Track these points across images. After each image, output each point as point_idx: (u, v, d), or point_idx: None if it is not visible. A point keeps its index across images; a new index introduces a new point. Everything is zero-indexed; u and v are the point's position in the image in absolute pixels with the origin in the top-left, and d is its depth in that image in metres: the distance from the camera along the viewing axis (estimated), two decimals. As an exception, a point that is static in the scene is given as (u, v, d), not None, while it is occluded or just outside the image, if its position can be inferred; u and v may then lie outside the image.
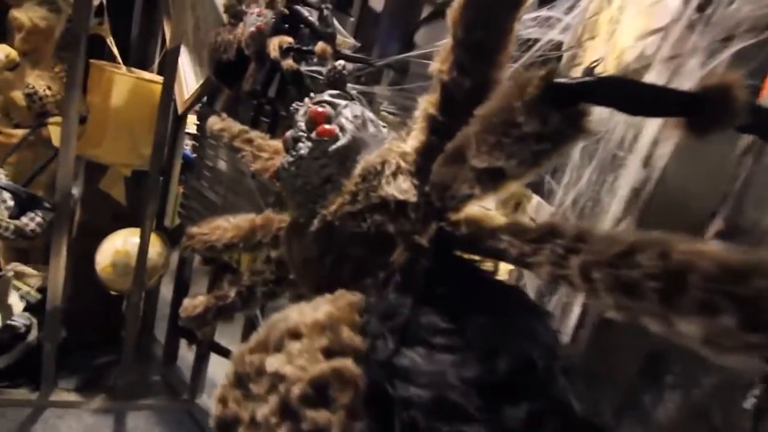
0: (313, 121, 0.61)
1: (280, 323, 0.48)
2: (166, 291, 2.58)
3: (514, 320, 0.49)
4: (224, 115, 0.99)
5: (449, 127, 0.53)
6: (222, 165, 2.25)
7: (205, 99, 2.27)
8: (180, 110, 2.28)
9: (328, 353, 0.42)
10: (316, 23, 1.51)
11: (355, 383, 0.39)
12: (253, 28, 1.44)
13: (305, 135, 0.61)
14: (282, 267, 0.75)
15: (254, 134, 0.90)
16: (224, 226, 0.80)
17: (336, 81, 0.67)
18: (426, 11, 1.68)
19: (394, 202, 0.54)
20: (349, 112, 0.62)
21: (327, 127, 0.59)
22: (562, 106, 0.36)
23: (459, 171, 0.49)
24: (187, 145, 2.83)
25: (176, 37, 2.02)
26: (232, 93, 1.68)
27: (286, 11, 1.48)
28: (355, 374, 0.40)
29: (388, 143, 0.61)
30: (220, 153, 2.30)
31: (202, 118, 2.27)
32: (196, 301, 0.79)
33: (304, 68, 1.46)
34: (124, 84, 2.21)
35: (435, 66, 0.52)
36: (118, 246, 2.16)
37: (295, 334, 0.45)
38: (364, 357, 0.42)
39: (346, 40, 1.61)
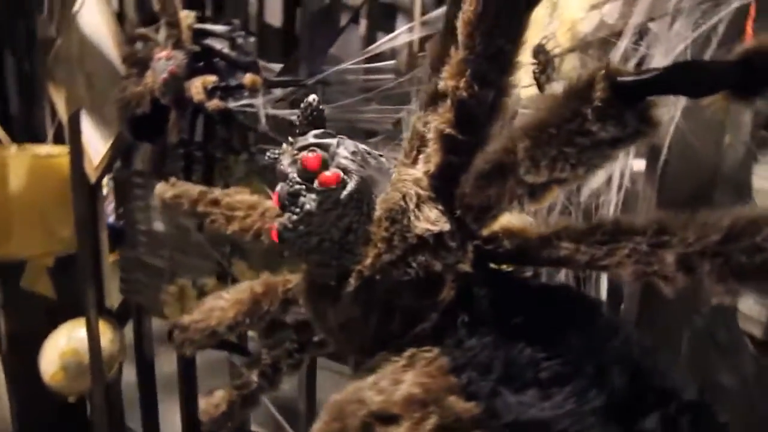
0: (309, 170, 0.54)
1: (354, 409, 0.42)
2: (129, 373, 2.34)
3: (594, 324, 0.47)
4: (173, 179, 0.89)
5: (469, 144, 0.50)
6: (159, 226, 2.07)
7: (118, 161, 2.07)
8: (93, 179, 2.06)
9: None
10: (233, 54, 1.41)
11: None
12: (165, 75, 1.32)
13: (304, 187, 0.55)
14: (303, 331, 0.68)
15: (218, 192, 0.81)
16: (221, 305, 0.71)
17: (315, 118, 0.61)
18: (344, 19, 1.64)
19: (432, 237, 0.50)
20: (344, 150, 0.56)
21: (328, 174, 0.53)
22: (634, 104, 0.34)
23: (502, 189, 0.46)
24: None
25: (74, 101, 1.82)
26: (155, 147, 1.53)
27: (197, 48, 1.37)
28: None
29: (395, 173, 0.56)
30: (153, 213, 2.11)
31: (121, 182, 2.07)
32: (215, 399, 0.70)
33: (232, 105, 1.36)
34: (20, 165, 1.96)
35: (447, 83, 0.48)
36: (63, 346, 1.92)
37: (386, 419, 0.40)
38: (484, 424, 0.37)
39: (266, 65, 1.52)
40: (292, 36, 2.37)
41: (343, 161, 0.55)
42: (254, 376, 0.70)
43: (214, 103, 1.29)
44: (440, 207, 0.52)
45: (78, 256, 1.94)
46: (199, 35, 1.41)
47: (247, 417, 1.94)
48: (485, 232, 0.53)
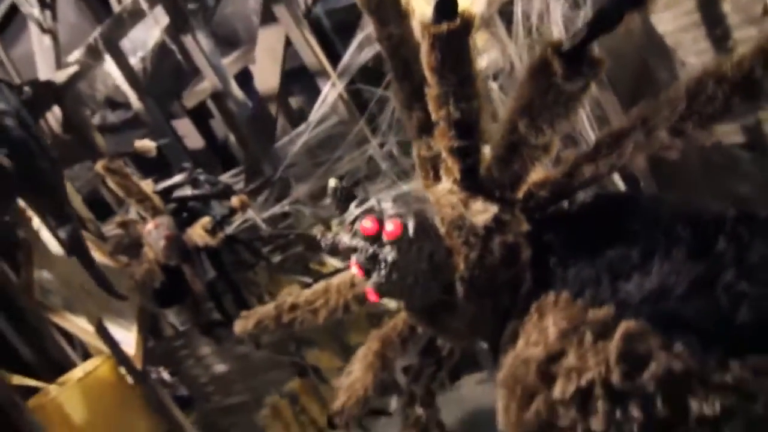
0: (373, 234, 0.65)
1: (523, 370, 0.53)
2: None
3: (639, 206, 0.59)
4: (245, 312, 0.98)
5: (473, 143, 0.62)
6: (219, 368, 2.11)
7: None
8: (140, 364, 2.10)
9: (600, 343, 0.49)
10: (202, 190, 1.52)
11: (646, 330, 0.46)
12: (162, 242, 1.41)
13: (377, 246, 0.65)
14: (431, 353, 0.78)
15: (289, 298, 0.91)
16: (356, 377, 0.80)
17: (346, 194, 0.72)
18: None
19: (492, 220, 0.61)
20: (386, 203, 0.67)
21: (390, 228, 0.63)
22: (581, 58, 0.47)
23: (522, 158, 0.58)
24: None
25: (87, 313, 1.87)
26: (187, 303, 1.61)
27: (175, 204, 1.47)
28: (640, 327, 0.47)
29: (429, 197, 0.68)
30: (205, 362, 2.16)
31: (165, 354, 2.12)
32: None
33: (231, 231, 1.46)
34: (72, 396, 1.99)
35: (437, 114, 0.60)
36: None
37: (555, 358, 0.50)
38: (624, 315, 0.48)
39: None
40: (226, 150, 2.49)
41: (392, 211, 0.66)
42: (419, 411, 0.80)
43: (218, 238, 1.39)
44: (480, 198, 0.64)
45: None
46: (165, 194, 1.52)
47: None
48: (520, 195, 0.65)
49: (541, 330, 0.54)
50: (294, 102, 2.79)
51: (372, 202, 0.69)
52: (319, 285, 0.90)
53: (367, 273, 0.68)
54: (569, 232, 0.61)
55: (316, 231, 1.48)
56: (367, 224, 0.66)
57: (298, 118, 2.08)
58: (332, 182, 0.74)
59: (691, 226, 0.53)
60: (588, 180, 0.60)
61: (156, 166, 1.88)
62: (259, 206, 1.47)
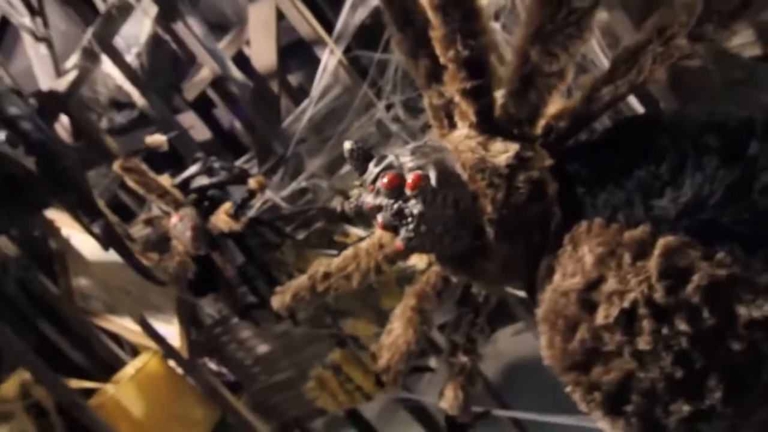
0: (395, 188, 0.65)
1: (563, 301, 0.53)
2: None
3: (662, 123, 0.58)
4: (279, 288, 1.00)
5: (484, 82, 0.61)
6: (261, 349, 2.19)
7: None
8: (185, 353, 2.19)
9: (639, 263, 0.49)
10: (218, 177, 1.53)
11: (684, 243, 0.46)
12: (189, 233, 1.44)
13: (401, 201, 0.65)
14: (467, 301, 0.79)
15: (320, 268, 0.92)
16: (397, 334, 0.82)
17: (363, 155, 0.72)
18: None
19: (513, 159, 0.60)
20: (404, 157, 0.67)
21: (410, 179, 0.63)
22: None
23: (537, 89, 0.57)
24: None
25: (131, 311, 1.95)
26: (222, 291, 1.65)
27: (194, 195, 1.49)
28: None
29: (447, 146, 0.67)
30: (247, 344, 2.24)
31: (205, 342, 2.20)
32: (450, 393, 0.80)
33: (253, 214, 1.48)
34: (128, 392, 2.09)
35: (447, 55, 0.59)
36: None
37: (594, 285, 0.50)
38: (662, 231, 0.48)
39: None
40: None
41: (411, 164, 0.66)
42: (463, 358, 0.81)
43: (242, 222, 1.41)
44: (498, 139, 0.63)
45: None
46: (183, 186, 1.54)
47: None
48: (539, 130, 0.64)
49: (576, 260, 0.54)
50: (293, 79, 2.76)
51: (390, 157, 0.68)
52: (349, 251, 0.91)
53: (395, 230, 0.69)
54: (594, 160, 0.60)
55: (336, 203, 1.49)
56: (388, 180, 0.66)
57: (299, 94, 2.06)
58: (348, 144, 0.74)
59: (720, 134, 0.51)
60: (608, 103, 0.58)
61: (168, 161, 1.90)
62: (276, 186, 1.48)
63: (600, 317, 0.51)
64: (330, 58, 1.34)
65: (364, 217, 0.78)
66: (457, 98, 0.63)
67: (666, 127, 0.57)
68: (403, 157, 0.68)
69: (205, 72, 2.35)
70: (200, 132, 2.95)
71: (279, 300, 1.00)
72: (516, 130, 0.63)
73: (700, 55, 0.48)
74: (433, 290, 0.81)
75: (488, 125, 0.65)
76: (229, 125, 2.90)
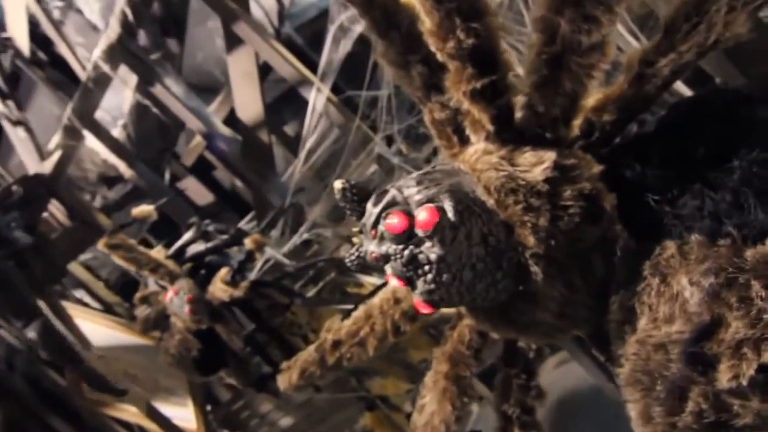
0: (404, 231, 0.50)
1: (661, 354, 0.38)
2: None
3: (713, 101, 0.43)
4: (284, 364, 0.84)
5: (498, 79, 0.47)
6: (285, 422, 1.99)
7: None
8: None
9: None
10: (213, 242, 1.41)
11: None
12: (187, 307, 1.30)
13: (413, 246, 0.50)
14: (513, 360, 0.62)
15: (329, 336, 0.76)
16: (431, 411, 0.65)
17: (359, 194, 0.58)
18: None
19: (554, 170, 0.46)
20: (410, 189, 0.53)
21: (421, 216, 0.49)
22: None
23: (571, 74, 0.43)
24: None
25: (142, 402, 1.78)
26: (232, 367, 1.49)
27: (192, 264, 1.36)
28: None
29: (460, 168, 0.53)
30: (270, 418, 2.04)
31: (229, 421, 2.02)
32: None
33: (254, 276, 1.34)
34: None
35: (446, 48, 0.45)
36: None
37: (703, 332, 0.35)
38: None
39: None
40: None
41: (418, 196, 0.51)
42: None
43: (243, 287, 1.27)
44: (526, 147, 0.49)
45: None
46: (179, 256, 1.41)
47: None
48: (576, 130, 0.50)
49: (671, 298, 0.38)
50: (290, 130, 2.70)
51: (392, 191, 0.54)
52: (359, 311, 0.75)
53: (410, 282, 0.53)
54: (664, 156, 0.45)
55: (344, 251, 1.34)
56: (394, 221, 0.51)
57: (297, 144, 1.97)
58: (338, 184, 0.60)
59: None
60: (668, 79, 0.44)
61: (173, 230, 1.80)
62: (277, 242, 1.34)
63: (724, 378, 0.35)
64: (318, 96, 1.23)
65: (369, 269, 0.63)
66: (466, 104, 0.49)
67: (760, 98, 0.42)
68: (408, 189, 0.53)
69: (199, 138, 2.29)
70: (203, 196, 2.88)
71: (285, 380, 0.84)
72: (548, 134, 0.49)
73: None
74: (468, 350, 0.65)
75: (510, 133, 0.50)
76: (229, 185, 2.83)
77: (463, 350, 0.64)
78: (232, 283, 1.20)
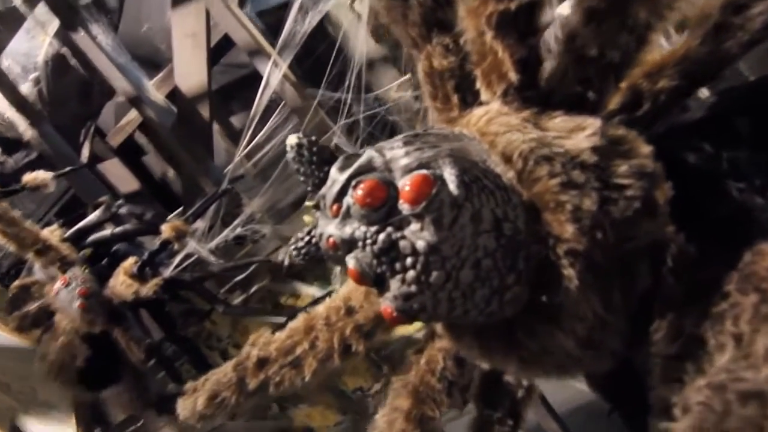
0: (381, 202, 0.36)
1: (755, 407, 0.25)
2: None
3: None
4: (189, 385, 0.66)
5: (536, 4, 0.35)
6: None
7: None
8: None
9: None
10: (128, 227, 1.19)
11: None
12: (77, 302, 1.06)
13: (392, 228, 0.36)
14: (497, 397, 0.48)
15: (254, 351, 0.60)
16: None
17: (319, 153, 0.43)
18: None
19: (602, 138, 0.33)
20: (395, 150, 0.39)
21: (412, 186, 0.35)
22: None
23: (624, 26, 0.31)
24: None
25: (4, 416, 1.47)
26: (125, 383, 1.24)
27: (88, 252, 1.13)
28: None
29: (464, 132, 0.39)
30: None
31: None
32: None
33: (169, 273, 1.13)
34: None
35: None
36: None
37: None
38: None
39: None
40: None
41: (406, 160, 0.37)
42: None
43: (152, 285, 1.05)
44: (558, 112, 0.37)
45: None
46: (78, 239, 1.17)
47: None
48: (617, 100, 0.38)
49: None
50: (237, 122, 2.49)
51: (369, 153, 0.40)
52: (298, 322, 0.59)
53: (380, 280, 0.39)
54: (743, 137, 0.33)
55: (284, 254, 1.18)
56: (367, 190, 0.37)
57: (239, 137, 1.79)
58: (293, 138, 0.44)
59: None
60: (758, 35, 0.33)
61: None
62: (203, 235, 1.14)
63: None
64: (274, 71, 1.07)
65: (319, 260, 0.47)
66: (488, 38, 0.36)
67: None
68: (392, 150, 0.39)
69: (133, 114, 2.03)
70: (126, 182, 2.57)
71: (187, 406, 0.65)
72: (590, 94, 0.37)
73: None
74: (440, 382, 0.50)
75: (534, 91, 0.38)
76: (160, 175, 2.55)
77: (433, 382, 0.50)
78: (140, 278, 0.99)
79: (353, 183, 0.38)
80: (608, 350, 0.37)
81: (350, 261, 0.39)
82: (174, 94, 1.95)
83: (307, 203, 0.45)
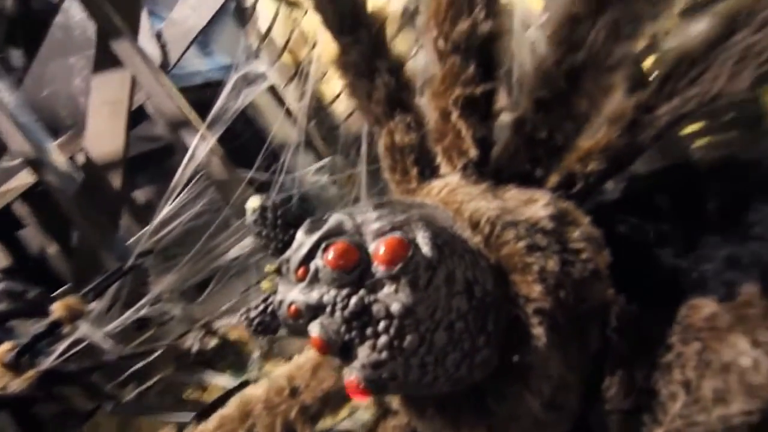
0: (352, 265, 0.36)
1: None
2: None
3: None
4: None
5: (494, 92, 0.40)
6: None
7: None
8: None
9: None
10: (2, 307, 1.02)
11: None
12: None
13: (365, 291, 0.36)
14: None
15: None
16: None
17: (285, 215, 0.43)
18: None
19: (556, 210, 0.37)
20: (365, 214, 0.40)
21: (384, 248, 0.36)
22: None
23: (587, 95, 0.37)
24: None
25: None
26: None
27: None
28: None
29: (427, 203, 0.42)
30: None
31: None
32: None
33: (49, 363, 0.98)
34: None
35: (453, 31, 0.36)
36: None
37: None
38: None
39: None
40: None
41: (379, 224, 0.38)
42: None
43: (26, 378, 0.89)
44: (509, 186, 0.41)
45: None
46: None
47: None
48: (556, 179, 0.44)
49: (723, 369, 0.30)
50: (141, 195, 2.34)
51: (338, 217, 0.40)
52: (231, 407, 0.53)
53: (346, 349, 0.37)
54: (663, 212, 0.40)
55: (194, 337, 1.08)
56: (338, 253, 0.36)
57: (147, 214, 1.67)
58: (255, 201, 0.43)
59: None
60: (663, 130, 0.41)
61: None
62: (99, 317, 1.00)
63: None
64: (201, 144, 1.05)
65: (273, 331, 0.44)
66: (455, 116, 0.40)
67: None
68: (362, 214, 0.39)
69: (15, 182, 1.82)
70: (-1, 258, 2.22)
71: None
72: (538, 171, 0.41)
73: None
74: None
75: (488, 167, 0.42)
76: (38, 250, 2.25)
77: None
78: (15, 368, 0.83)
79: (323, 246, 0.38)
80: (569, 412, 0.38)
81: (314, 328, 0.37)
82: (73, 161, 1.81)
83: (267, 268, 0.42)
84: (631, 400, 0.34)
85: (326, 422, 0.52)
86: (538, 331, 0.34)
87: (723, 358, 0.30)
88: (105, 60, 1.10)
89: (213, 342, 1.13)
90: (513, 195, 0.40)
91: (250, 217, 0.42)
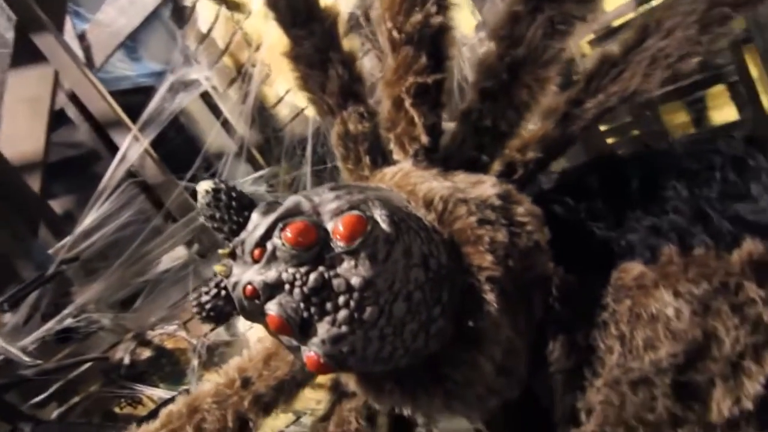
0: (311, 243, 0.38)
1: (644, 391, 0.32)
2: None
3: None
4: None
5: (443, 82, 0.43)
6: None
7: None
8: None
9: None
10: None
11: None
12: None
13: (324, 267, 0.37)
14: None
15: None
16: None
17: (237, 199, 0.43)
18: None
19: (502, 190, 0.41)
20: (323, 195, 0.41)
21: (345, 225, 0.37)
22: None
23: (527, 88, 0.41)
24: None
25: None
26: None
27: None
28: None
29: (375, 186, 0.44)
30: None
31: None
32: None
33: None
34: None
35: (400, 25, 0.39)
36: None
37: (696, 353, 0.30)
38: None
39: None
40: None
41: (336, 203, 0.39)
42: None
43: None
44: (457, 171, 0.44)
45: None
46: None
47: None
48: (497, 167, 0.47)
49: (651, 319, 0.34)
50: (57, 206, 2.16)
51: (295, 198, 0.41)
52: (177, 404, 0.52)
53: (305, 326, 0.38)
54: (599, 190, 0.45)
55: (125, 349, 1.03)
56: (296, 231, 0.37)
57: (65, 224, 1.55)
58: (207, 184, 0.43)
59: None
60: (590, 122, 0.46)
61: None
62: (15, 330, 0.91)
63: (723, 406, 0.31)
64: (133, 146, 1.00)
65: (227, 316, 0.44)
66: (407, 104, 0.43)
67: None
68: (318, 196, 0.41)
69: None
70: None
71: None
72: (484, 156, 0.45)
73: (710, 46, 0.40)
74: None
75: (438, 154, 0.45)
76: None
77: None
78: None
79: (281, 225, 0.38)
80: (517, 378, 0.41)
81: (272, 307, 0.38)
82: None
83: (220, 251, 0.42)
84: (573, 359, 0.38)
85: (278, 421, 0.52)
86: (490, 297, 0.37)
87: (651, 311, 0.34)
88: (24, 53, 1.01)
89: (146, 353, 1.07)
90: (462, 178, 0.43)
91: (202, 200, 0.42)
